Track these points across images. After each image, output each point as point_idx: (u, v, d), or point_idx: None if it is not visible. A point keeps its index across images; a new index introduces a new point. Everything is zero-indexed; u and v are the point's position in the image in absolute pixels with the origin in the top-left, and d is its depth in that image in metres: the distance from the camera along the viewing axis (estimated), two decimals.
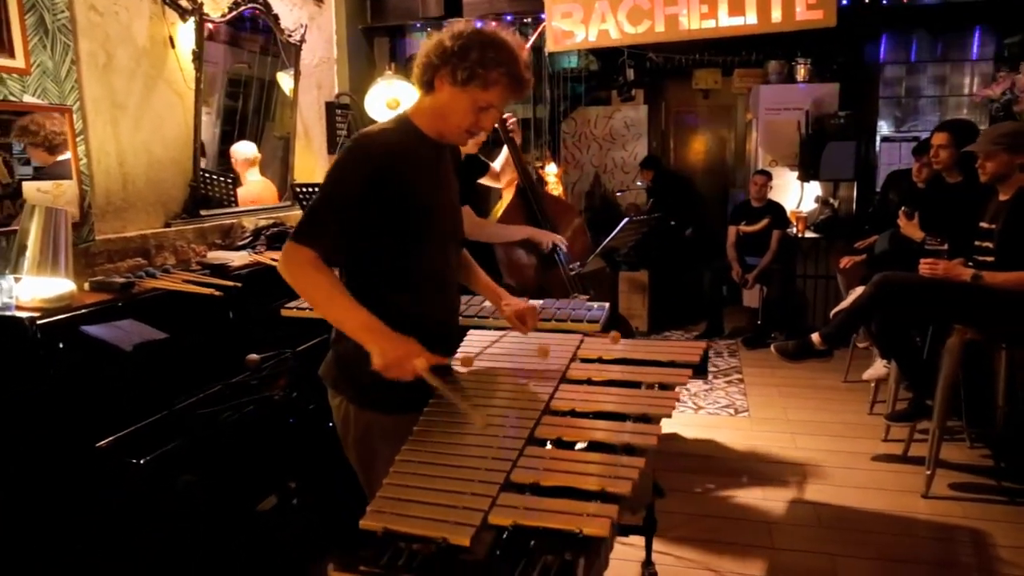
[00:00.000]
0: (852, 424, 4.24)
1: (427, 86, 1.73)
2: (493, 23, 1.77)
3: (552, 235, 3.37)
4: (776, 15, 4.10)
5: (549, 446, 1.60)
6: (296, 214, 4.12)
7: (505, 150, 3.47)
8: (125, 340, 2.29)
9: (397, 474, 1.44)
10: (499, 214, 3.45)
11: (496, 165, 3.52)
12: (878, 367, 4.22)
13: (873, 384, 4.39)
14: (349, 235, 1.66)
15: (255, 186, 4.06)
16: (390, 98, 4.48)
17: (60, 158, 2.76)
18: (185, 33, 3.41)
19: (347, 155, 1.66)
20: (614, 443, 1.59)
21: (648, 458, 1.59)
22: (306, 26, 4.26)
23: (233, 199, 3.83)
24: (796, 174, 6.68)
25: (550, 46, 4.68)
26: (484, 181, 3.51)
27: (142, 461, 2.04)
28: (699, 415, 4.48)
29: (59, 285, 2.26)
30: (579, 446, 1.65)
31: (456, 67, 1.66)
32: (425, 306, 1.79)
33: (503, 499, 1.35)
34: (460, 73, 1.65)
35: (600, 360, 2.12)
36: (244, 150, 4.04)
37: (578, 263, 3.38)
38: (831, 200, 6.58)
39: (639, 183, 7.55)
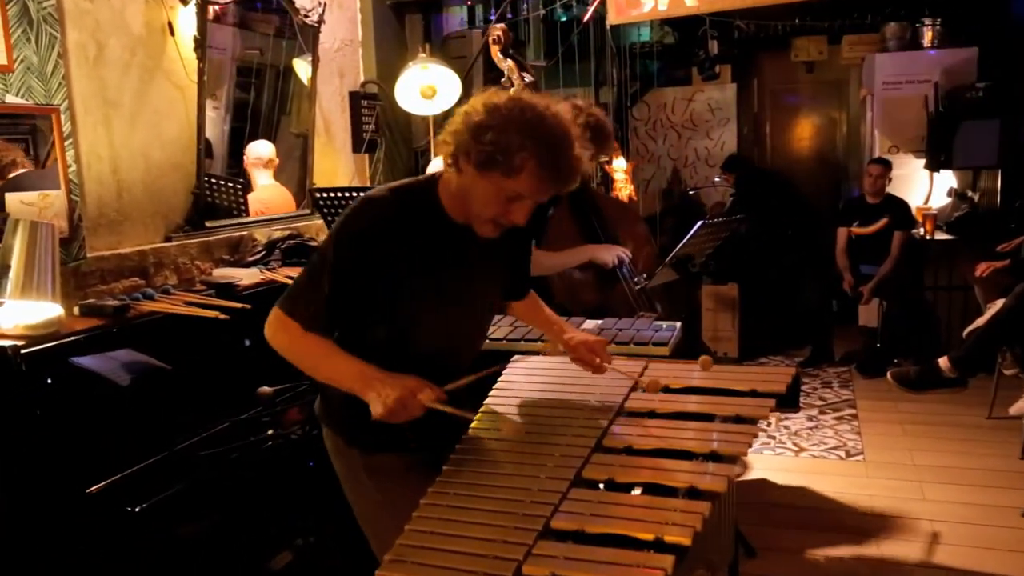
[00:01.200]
0: (998, 472, 4.14)
1: (455, 166, 1.74)
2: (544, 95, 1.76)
3: (615, 248, 3.40)
4: None
5: (601, 488, 1.66)
6: (315, 224, 4.28)
7: None
8: (121, 373, 2.44)
9: (421, 519, 1.52)
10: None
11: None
12: None
13: None
14: (336, 309, 1.79)
15: (266, 191, 4.24)
16: (424, 85, 4.62)
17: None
18: (186, 17, 3.61)
19: (340, 223, 1.81)
20: (675, 485, 1.64)
21: (717, 503, 1.64)
22: (325, 4, 4.44)
23: (243, 207, 4.01)
24: (923, 162, 6.58)
25: (612, 18, 4.76)
26: None
27: (138, 509, 2.17)
28: (801, 458, 4.45)
29: (46, 310, 2.42)
30: (636, 491, 1.70)
31: (471, 148, 1.67)
32: None
33: (540, 547, 1.42)
34: (475, 155, 1.66)
35: (666, 389, 2.17)
36: (259, 150, 4.22)
37: (643, 275, 3.43)
38: (969, 193, 6.46)
39: (717, 180, 7.53)
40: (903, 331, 5.94)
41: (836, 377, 5.91)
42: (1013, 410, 4.27)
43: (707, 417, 2.02)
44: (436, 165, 3.58)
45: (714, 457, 1.77)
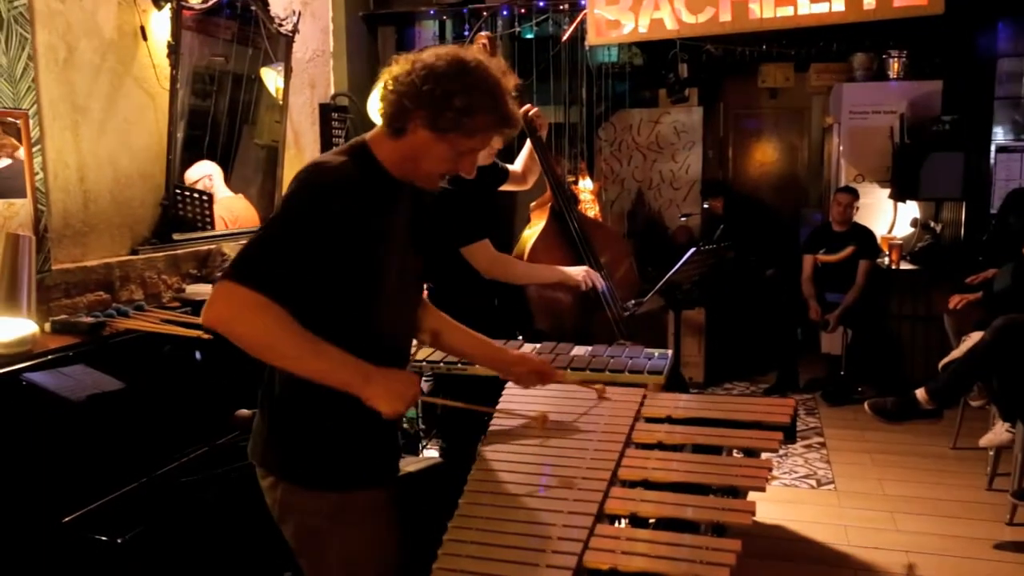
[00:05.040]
0: (967, 503, 4.24)
1: (394, 131, 1.75)
2: (471, 45, 1.82)
3: (589, 272, 3.39)
4: (869, 1, 4.20)
5: (623, 523, 1.65)
6: None
7: (527, 146, 3.53)
8: (75, 390, 2.35)
9: (448, 557, 1.49)
10: (529, 243, 3.50)
11: (517, 165, 3.58)
12: (999, 431, 4.22)
13: (992, 453, 4.39)
14: (293, 285, 1.64)
15: (231, 202, 4.16)
16: None
17: None
18: (159, 23, 3.54)
19: (303, 189, 1.69)
20: (699, 521, 1.64)
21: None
22: (299, 13, 4.40)
23: (209, 220, 3.93)
24: (887, 192, 6.75)
25: (591, 38, 4.79)
26: (509, 187, 3.57)
27: (119, 540, 2.09)
28: (773, 487, 4.47)
29: (19, 326, 2.34)
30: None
31: (436, 115, 1.69)
32: None
33: None
34: (441, 122, 1.69)
35: (670, 420, 2.17)
36: (204, 170, 4.06)
37: (632, 302, 3.44)
38: (932, 224, 6.63)
39: (706, 205, 7.62)
40: (867, 360, 6.05)
41: (802, 405, 5.99)
42: (983, 441, 4.36)
43: (716, 450, 2.03)
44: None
45: (731, 491, 1.78)
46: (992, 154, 6.54)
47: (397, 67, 1.74)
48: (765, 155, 8.81)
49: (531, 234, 3.60)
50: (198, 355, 2.70)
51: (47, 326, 2.60)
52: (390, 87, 1.73)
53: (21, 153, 2.90)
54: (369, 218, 1.72)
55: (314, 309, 1.68)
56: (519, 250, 3.59)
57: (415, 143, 1.74)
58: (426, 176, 1.81)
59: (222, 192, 4.15)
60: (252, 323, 1.58)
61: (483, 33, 3.64)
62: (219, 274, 3.65)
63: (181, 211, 3.72)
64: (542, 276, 3.40)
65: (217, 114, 4.25)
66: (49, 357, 2.34)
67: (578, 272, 3.38)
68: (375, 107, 4.60)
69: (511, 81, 1.77)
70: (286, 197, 1.71)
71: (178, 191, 3.72)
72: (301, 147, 4.70)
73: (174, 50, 3.55)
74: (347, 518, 1.77)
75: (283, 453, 1.81)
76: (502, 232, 3.44)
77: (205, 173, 4.02)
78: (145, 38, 3.49)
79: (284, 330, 1.59)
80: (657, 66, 7.44)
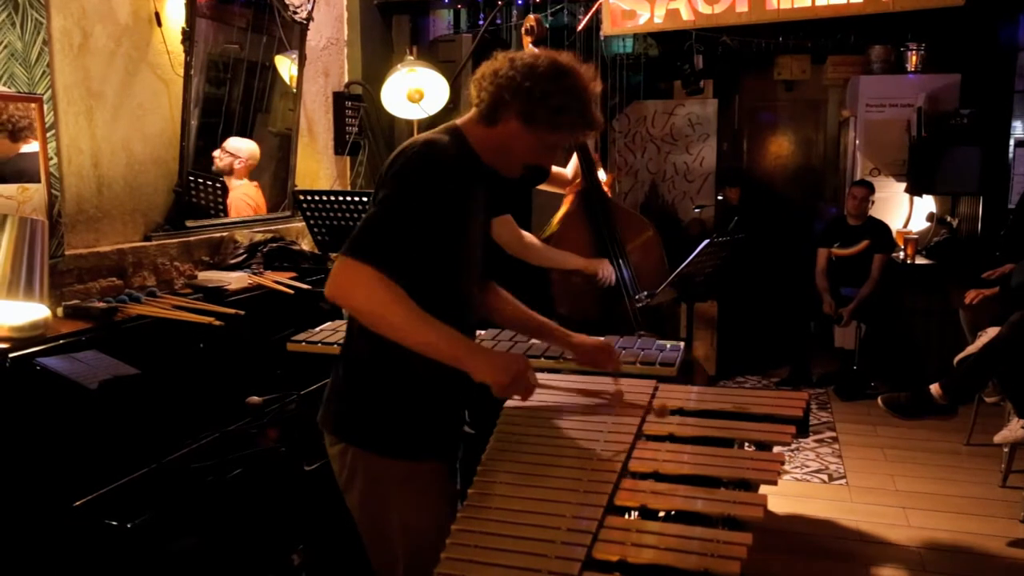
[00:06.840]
0: (980, 499, 4.21)
1: (488, 119, 1.92)
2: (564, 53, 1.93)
3: (607, 264, 3.38)
4: None
5: (633, 515, 1.64)
6: (297, 227, 4.22)
7: (575, 157, 3.52)
8: (89, 376, 2.35)
9: (456, 546, 1.48)
10: (556, 225, 3.50)
11: (568, 170, 3.56)
12: (1014, 428, 4.19)
13: (1007, 449, 4.36)
14: (406, 257, 1.77)
15: (251, 189, 4.16)
16: (411, 88, 4.58)
17: (24, 150, 2.83)
18: (174, 9, 3.53)
19: (419, 165, 1.82)
20: (711, 514, 1.62)
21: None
22: (313, 1, 4.39)
23: (223, 207, 3.93)
24: (903, 186, 6.69)
25: (607, 28, 4.77)
26: (548, 188, 3.55)
27: (129, 525, 2.09)
28: (784, 482, 4.46)
29: (32, 311, 2.34)
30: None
31: (532, 109, 1.85)
32: None
33: None
34: (534, 116, 1.86)
35: (682, 412, 2.16)
36: (247, 146, 4.10)
37: (645, 293, 3.42)
38: (948, 218, 6.58)
39: (720, 197, 7.59)
40: (881, 354, 6.02)
41: (814, 399, 5.96)
42: (998, 438, 4.32)
43: (727, 442, 2.01)
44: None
45: (744, 485, 1.77)
46: (1011, 148, 6.46)
47: (497, 63, 1.89)
48: (780, 148, 8.77)
49: (558, 215, 3.60)
50: (201, 346, 2.71)
51: (59, 311, 2.61)
52: (490, 79, 1.89)
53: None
54: (468, 196, 1.91)
55: (410, 275, 1.78)
56: (548, 232, 3.58)
57: (506, 132, 1.90)
58: (511, 166, 1.97)
59: (239, 178, 4.14)
60: (365, 296, 1.71)
61: (531, 15, 3.61)
62: (232, 261, 3.67)
63: (194, 198, 3.73)
64: (561, 261, 3.40)
65: (231, 101, 4.24)
66: (61, 342, 2.34)
67: (597, 264, 3.37)
68: (390, 96, 4.57)
69: (598, 87, 1.91)
70: (399, 173, 1.82)
71: (192, 178, 3.72)
72: (314, 135, 4.70)
73: (188, 37, 3.55)
74: (413, 486, 1.90)
75: (357, 420, 1.94)
76: (518, 220, 3.43)
77: (251, 153, 4.09)
78: (160, 24, 3.48)
79: (398, 303, 1.72)
80: (672, 57, 7.39)
